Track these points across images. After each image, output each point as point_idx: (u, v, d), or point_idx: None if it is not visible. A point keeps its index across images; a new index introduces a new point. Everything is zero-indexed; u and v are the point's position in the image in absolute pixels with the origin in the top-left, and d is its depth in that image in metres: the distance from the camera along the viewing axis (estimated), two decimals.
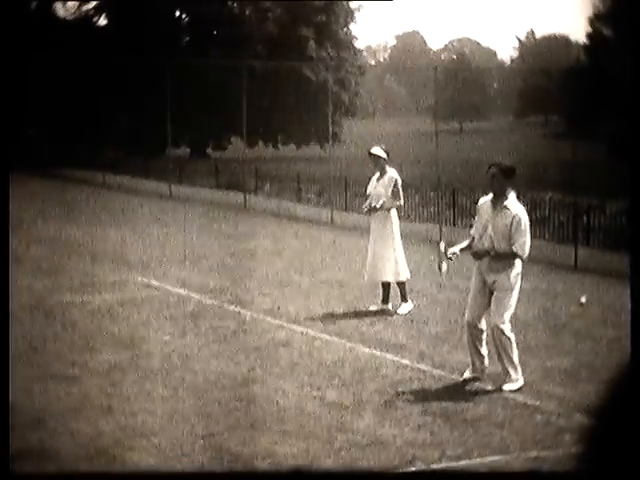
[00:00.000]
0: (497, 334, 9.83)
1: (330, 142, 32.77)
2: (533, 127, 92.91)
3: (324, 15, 53.77)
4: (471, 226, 10.45)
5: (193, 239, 20.14)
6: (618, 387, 4.56)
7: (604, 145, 46.77)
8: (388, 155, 13.73)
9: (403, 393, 9.66)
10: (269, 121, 51.65)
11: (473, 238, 10.09)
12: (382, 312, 13.51)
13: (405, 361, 10.91)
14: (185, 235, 20.12)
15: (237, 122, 39.50)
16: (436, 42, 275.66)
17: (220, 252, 18.98)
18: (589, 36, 64.37)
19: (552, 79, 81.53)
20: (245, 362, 10.80)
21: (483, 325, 10.06)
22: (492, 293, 9.93)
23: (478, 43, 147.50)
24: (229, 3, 52.14)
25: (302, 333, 12.27)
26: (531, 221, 10.16)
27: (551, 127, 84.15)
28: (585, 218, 20.50)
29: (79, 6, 50.56)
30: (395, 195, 13.68)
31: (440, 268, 10.42)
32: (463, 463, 7.78)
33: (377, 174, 13.84)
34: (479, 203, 10.24)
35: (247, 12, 51.73)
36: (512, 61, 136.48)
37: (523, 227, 9.82)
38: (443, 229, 20.77)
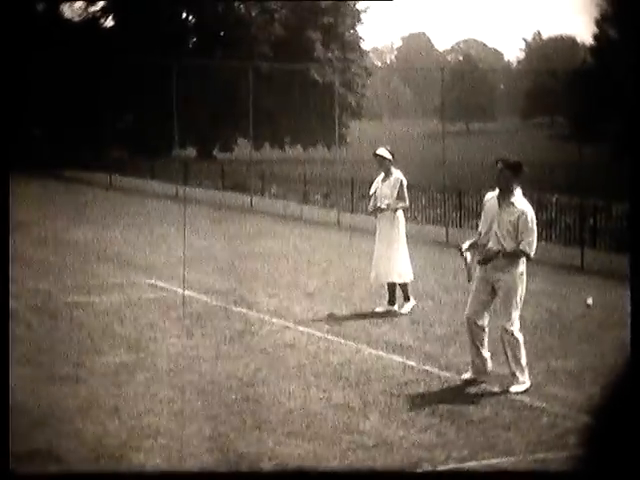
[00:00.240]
0: (505, 335, 9.81)
1: (337, 144, 32.73)
2: (539, 128, 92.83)
3: (331, 17, 53.84)
4: (477, 226, 10.43)
5: (199, 240, 20.15)
6: (618, 388, 4.56)
7: (610, 147, 46.66)
8: (393, 156, 13.72)
9: (409, 394, 9.67)
10: (276, 123, 51.72)
11: (480, 233, 10.07)
12: (388, 313, 13.51)
13: (411, 362, 10.90)
14: (191, 236, 20.11)
15: (244, 123, 39.66)
16: (443, 43, 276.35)
17: (226, 253, 18.98)
18: (595, 37, 64.40)
19: (558, 80, 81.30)
20: (251, 363, 10.80)
21: (484, 323, 10.00)
22: (495, 291, 9.91)
23: (484, 44, 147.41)
24: (235, 4, 52.17)
25: (308, 334, 12.27)
26: (538, 223, 10.12)
27: (557, 128, 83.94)
28: (591, 220, 20.48)
29: (86, 7, 50.71)
30: (400, 197, 13.67)
31: (469, 279, 10.23)
32: (469, 465, 7.78)
33: (382, 175, 13.83)
34: (485, 198, 10.19)
35: (253, 14, 51.74)
36: (518, 62, 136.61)
37: (530, 224, 9.78)
38: (449, 231, 20.75)
